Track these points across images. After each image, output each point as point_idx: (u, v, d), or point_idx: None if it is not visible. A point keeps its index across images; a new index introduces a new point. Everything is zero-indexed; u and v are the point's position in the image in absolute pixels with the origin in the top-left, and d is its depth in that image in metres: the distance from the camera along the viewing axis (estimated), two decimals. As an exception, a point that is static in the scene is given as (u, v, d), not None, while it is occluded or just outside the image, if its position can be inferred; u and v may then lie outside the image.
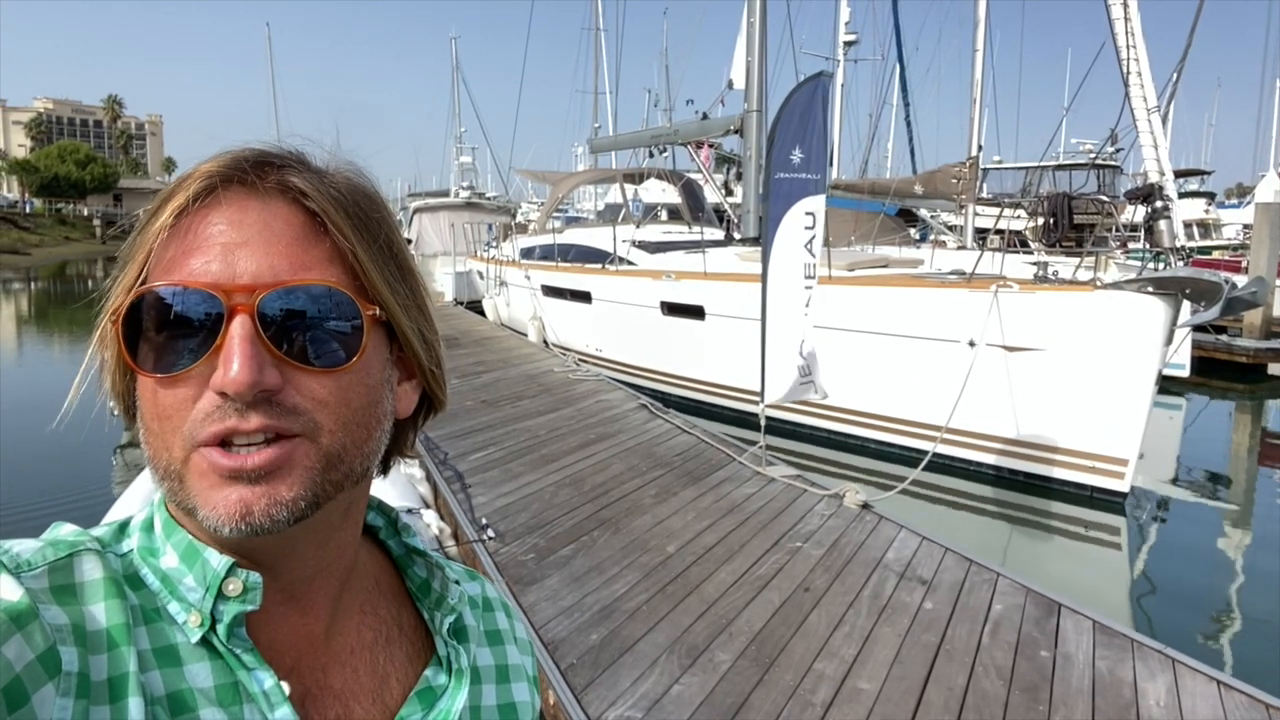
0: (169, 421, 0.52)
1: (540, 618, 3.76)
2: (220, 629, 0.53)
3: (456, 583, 0.68)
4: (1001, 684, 3.33)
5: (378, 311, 0.57)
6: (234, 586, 0.54)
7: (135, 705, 0.48)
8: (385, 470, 0.66)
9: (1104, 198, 15.15)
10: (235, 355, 0.50)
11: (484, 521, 4.88)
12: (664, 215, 14.33)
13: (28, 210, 59.06)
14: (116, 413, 0.58)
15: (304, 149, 0.59)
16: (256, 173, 0.55)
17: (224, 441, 0.51)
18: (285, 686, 0.54)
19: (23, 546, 0.50)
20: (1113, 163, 19.93)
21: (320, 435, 0.54)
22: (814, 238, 6.00)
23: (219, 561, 0.54)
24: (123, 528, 0.58)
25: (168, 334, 0.52)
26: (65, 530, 0.54)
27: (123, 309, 0.53)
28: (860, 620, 3.84)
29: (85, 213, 62.98)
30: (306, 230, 0.55)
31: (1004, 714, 3.12)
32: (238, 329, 0.51)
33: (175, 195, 0.54)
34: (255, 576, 0.54)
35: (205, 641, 0.53)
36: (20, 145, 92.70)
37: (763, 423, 6.43)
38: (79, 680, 0.46)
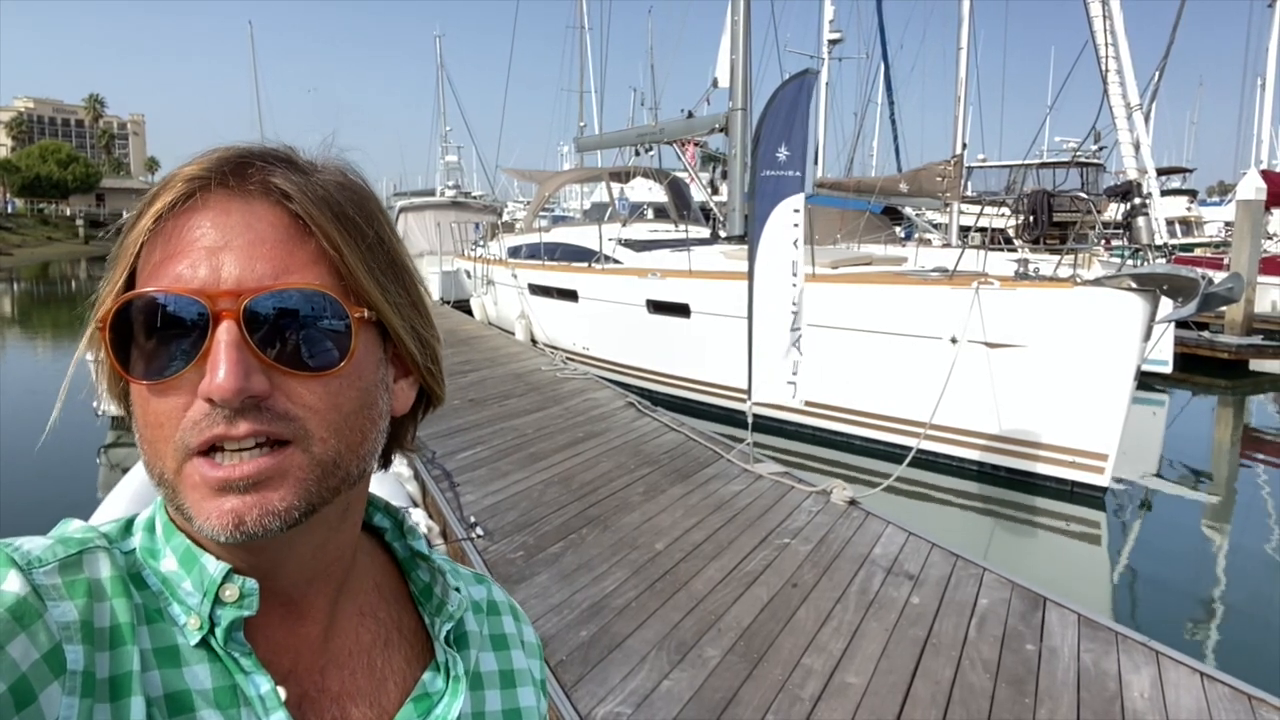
0: (160, 430, 0.52)
1: (529, 615, 3.72)
2: (218, 633, 0.53)
3: (457, 589, 0.67)
4: (988, 677, 3.36)
5: (366, 313, 0.56)
6: (230, 592, 0.54)
7: (137, 704, 0.48)
8: (386, 465, 0.65)
9: (1083, 195, 15.29)
10: (221, 362, 0.50)
11: (472, 520, 4.88)
12: (650, 214, 14.34)
13: (9, 210, 58.40)
14: (100, 412, 0.58)
15: (293, 146, 0.58)
16: (238, 174, 0.54)
17: (213, 448, 0.51)
18: (281, 692, 0.54)
19: (33, 544, 0.50)
20: (1095, 160, 20.10)
21: (312, 444, 0.53)
22: (799, 235, 6.03)
23: (215, 568, 0.54)
24: (128, 526, 0.58)
25: (154, 340, 0.52)
26: (74, 526, 0.54)
27: (109, 315, 0.52)
28: (848, 615, 3.87)
29: (68, 213, 62.42)
30: (291, 231, 0.54)
31: (990, 707, 3.15)
32: (223, 335, 0.50)
33: (157, 199, 0.53)
34: (251, 583, 0.54)
35: (205, 643, 0.53)
36: (1, 145, 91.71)
37: (750, 420, 6.46)
38: (84, 678, 0.46)
